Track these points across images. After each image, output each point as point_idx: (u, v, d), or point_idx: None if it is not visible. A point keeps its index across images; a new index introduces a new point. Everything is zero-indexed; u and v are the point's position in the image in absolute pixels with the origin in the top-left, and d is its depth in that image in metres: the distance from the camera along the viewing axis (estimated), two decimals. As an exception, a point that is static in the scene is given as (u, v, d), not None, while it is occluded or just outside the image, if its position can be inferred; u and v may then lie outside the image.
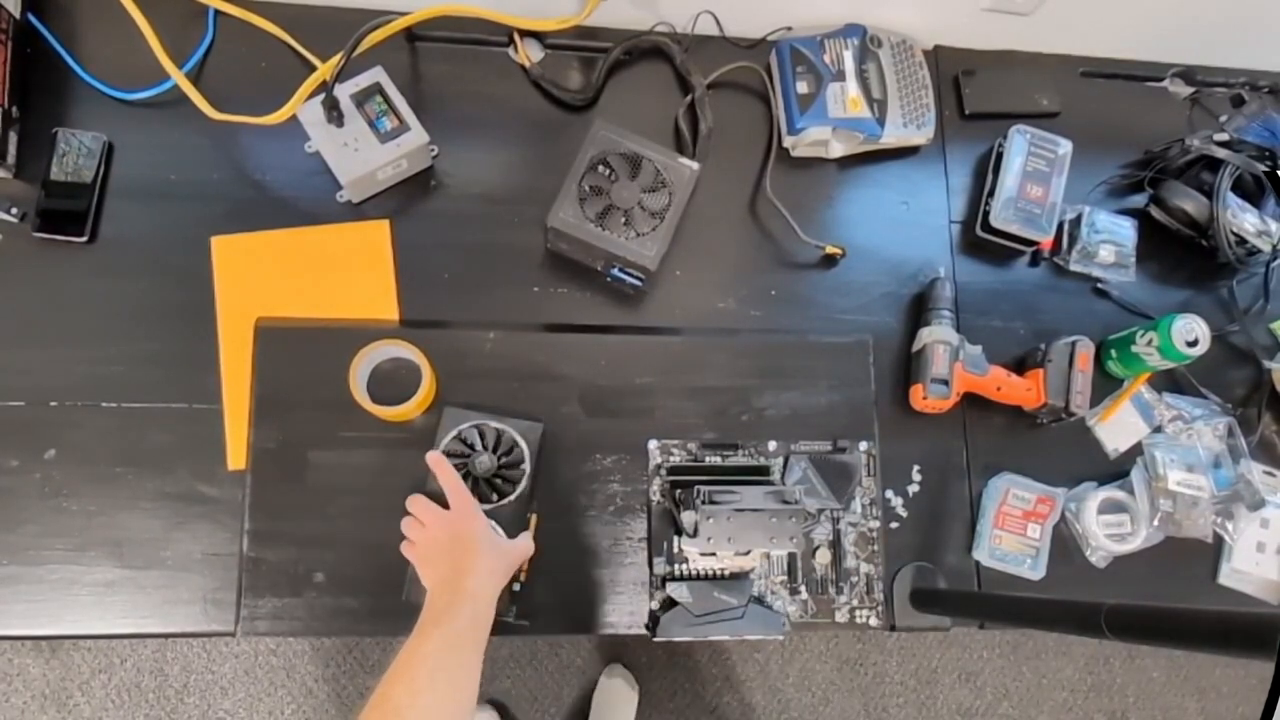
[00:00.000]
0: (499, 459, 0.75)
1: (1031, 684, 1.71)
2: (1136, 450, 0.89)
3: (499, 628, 0.70)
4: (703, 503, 0.73)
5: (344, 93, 0.79)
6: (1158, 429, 0.90)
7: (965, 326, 0.89)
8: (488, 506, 0.74)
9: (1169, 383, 0.92)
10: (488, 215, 0.86)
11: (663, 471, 0.80)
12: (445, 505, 0.70)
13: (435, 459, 0.71)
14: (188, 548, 0.75)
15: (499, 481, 0.76)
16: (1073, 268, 0.93)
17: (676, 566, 0.78)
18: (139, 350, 0.78)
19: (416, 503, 0.70)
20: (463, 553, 0.66)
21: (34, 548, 0.73)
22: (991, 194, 0.91)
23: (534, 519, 0.76)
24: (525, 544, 0.72)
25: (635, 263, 0.80)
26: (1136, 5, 0.92)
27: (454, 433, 0.75)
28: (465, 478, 0.72)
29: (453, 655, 0.60)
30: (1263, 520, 0.89)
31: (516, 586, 0.75)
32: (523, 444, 0.76)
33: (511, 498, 0.75)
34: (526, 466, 0.75)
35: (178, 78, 0.81)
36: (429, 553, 0.68)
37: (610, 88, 0.90)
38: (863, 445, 0.83)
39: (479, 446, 0.76)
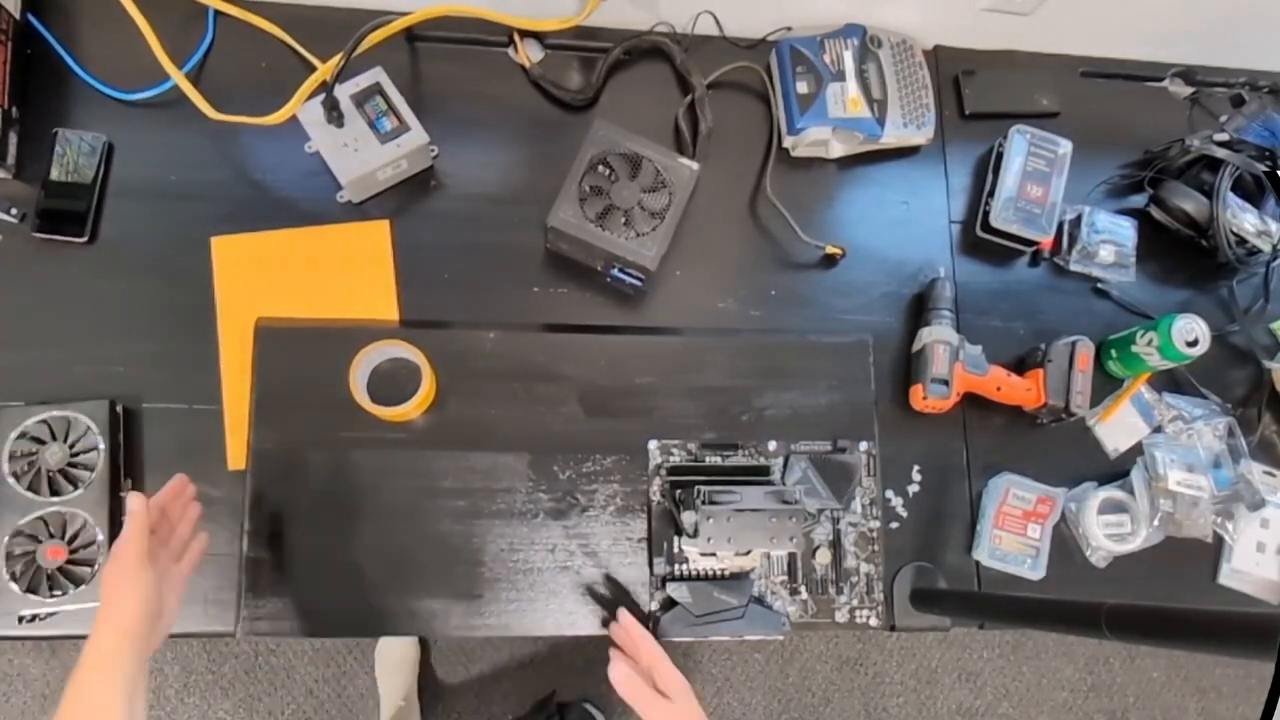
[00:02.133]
0: (70, 446, 0.72)
1: (1031, 684, 1.71)
2: (1136, 450, 0.89)
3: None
4: (703, 503, 0.73)
5: (344, 93, 0.79)
6: (1158, 429, 0.90)
7: (965, 326, 0.89)
8: (68, 496, 0.71)
9: (1169, 383, 0.92)
10: (488, 215, 0.86)
11: (663, 471, 0.80)
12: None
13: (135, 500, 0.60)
14: (188, 548, 0.75)
15: (75, 470, 0.72)
16: (1073, 268, 0.92)
17: (676, 566, 0.78)
18: (139, 350, 0.78)
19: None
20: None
21: (34, 548, 0.73)
22: (991, 194, 0.91)
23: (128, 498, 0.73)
24: (110, 567, 0.59)
25: (635, 263, 0.80)
26: (1136, 5, 0.92)
27: (17, 431, 0.72)
28: (37, 475, 0.71)
29: None
30: (1263, 520, 0.89)
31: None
32: (93, 425, 0.73)
33: (90, 483, 0.72)
34: (101, 448, 0.72)
35: (178, 78, 0.81)
36: None
37: (610, 88, 0.90)
38: (863, 445, 0.83)
39: (49, 439, 0.72)
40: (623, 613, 0.72)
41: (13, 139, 0.79)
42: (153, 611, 0.57)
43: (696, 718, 0.65)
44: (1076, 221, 0.92)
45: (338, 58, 0.75)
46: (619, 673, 0.65)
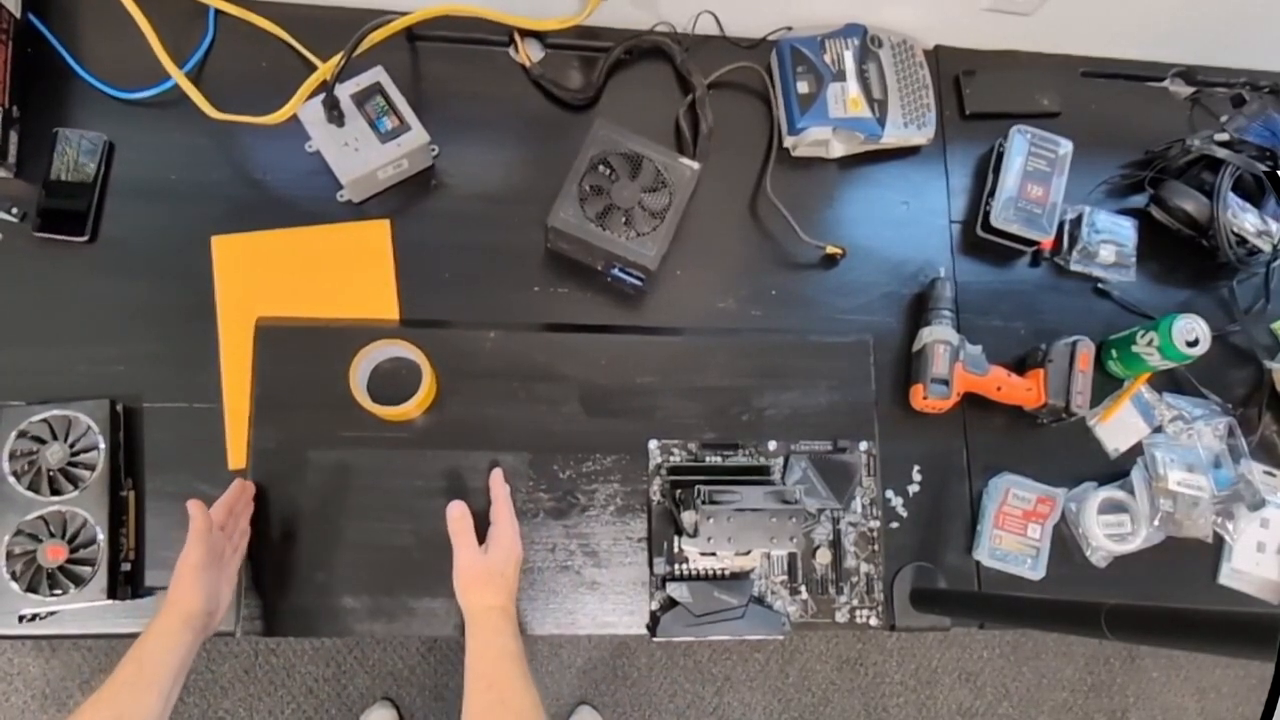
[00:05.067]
0: (71, 446, 0.73)
1: (1031, 684, 1.71)
2: (1137, 450, 0.89)
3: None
4: (703, 503, 0.73)
5: (344, 92, 0.79)
6: (1158, 429, 0.90)
7: (965, 326, 0.89)
8: (69, 496, 0.72)
9: (1169, 383, 0.92)
10: (488, 215, 0.86)
11: (663, 471, 0.80)
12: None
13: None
14: (188, 547, 0.75)
15: (76, 469, 0.73)
16: (1073, 268, 0.92)
17: (676, 566, 0.78)
18: (139, 350, 0.78)
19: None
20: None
21: (34, 547, 0.73)
22: (992, 194, 0.91)
23: (131, 495, 0.74)
24: (179, 569, 0.66)
25: (635, 263, 0.80)
26: (1137, 5, 0.92)
27: (17, 430, 0.72)
28: (37, 474, 0.72)
29: None
30: (1263, 520, 0.89)
31: (126, 567, 0.73)
32: (93, 425, 0.73)
33: (91, 483, 0.72)
34: (101, 447, 0.73)
35: (178, 77, 0.81)
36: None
37: (611, 88, 0.90)
38: (863, 445, 0.83)
39: (50, 439, 0.73)
40: (496, 471, 0.76)
41: (13, 138, 0.79)
42: (211, 609, 0.65)
43: (497, 578, 0.69)
44: (1077, 221, 0.92)
45: (338, 57, 0.75)
46: (457, 507, 0.71)
